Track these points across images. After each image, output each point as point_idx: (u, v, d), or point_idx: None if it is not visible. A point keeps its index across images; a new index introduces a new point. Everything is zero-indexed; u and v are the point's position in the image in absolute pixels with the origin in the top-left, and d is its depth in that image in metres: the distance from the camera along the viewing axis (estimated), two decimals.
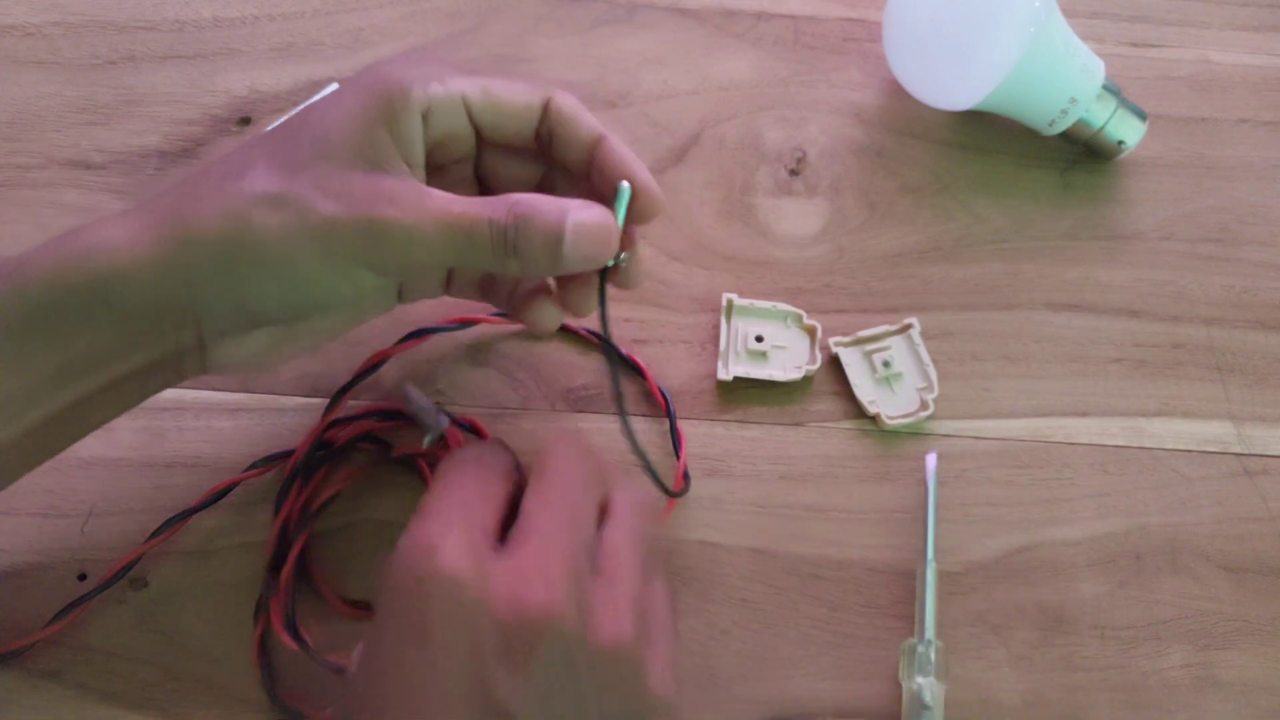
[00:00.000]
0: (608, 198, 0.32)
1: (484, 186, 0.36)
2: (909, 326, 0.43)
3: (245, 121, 0.46)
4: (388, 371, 0.41)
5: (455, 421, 0.39)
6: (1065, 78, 0.43)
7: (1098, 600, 0.39)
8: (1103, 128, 0.45)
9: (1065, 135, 0.46)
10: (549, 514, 0.28)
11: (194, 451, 0.40)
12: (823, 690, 0.37)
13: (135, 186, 0.45)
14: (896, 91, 0.47)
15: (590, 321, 0.42)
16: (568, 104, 0.33)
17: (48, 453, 0.32)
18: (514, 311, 0.36)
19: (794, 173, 0.46)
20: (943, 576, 0.39)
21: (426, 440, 0.38)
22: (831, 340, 0.42)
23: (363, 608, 0.38)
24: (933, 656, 0.36)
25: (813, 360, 0.42)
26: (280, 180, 0.30)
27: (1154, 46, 0.50)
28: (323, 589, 0.38)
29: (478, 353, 0.42)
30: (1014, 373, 0.43)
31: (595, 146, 0.33)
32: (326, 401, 0.40)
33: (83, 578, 0.38)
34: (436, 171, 0.33)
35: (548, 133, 0.33)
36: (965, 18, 0.42)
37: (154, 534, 0.37)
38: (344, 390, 0.40)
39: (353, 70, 0.47)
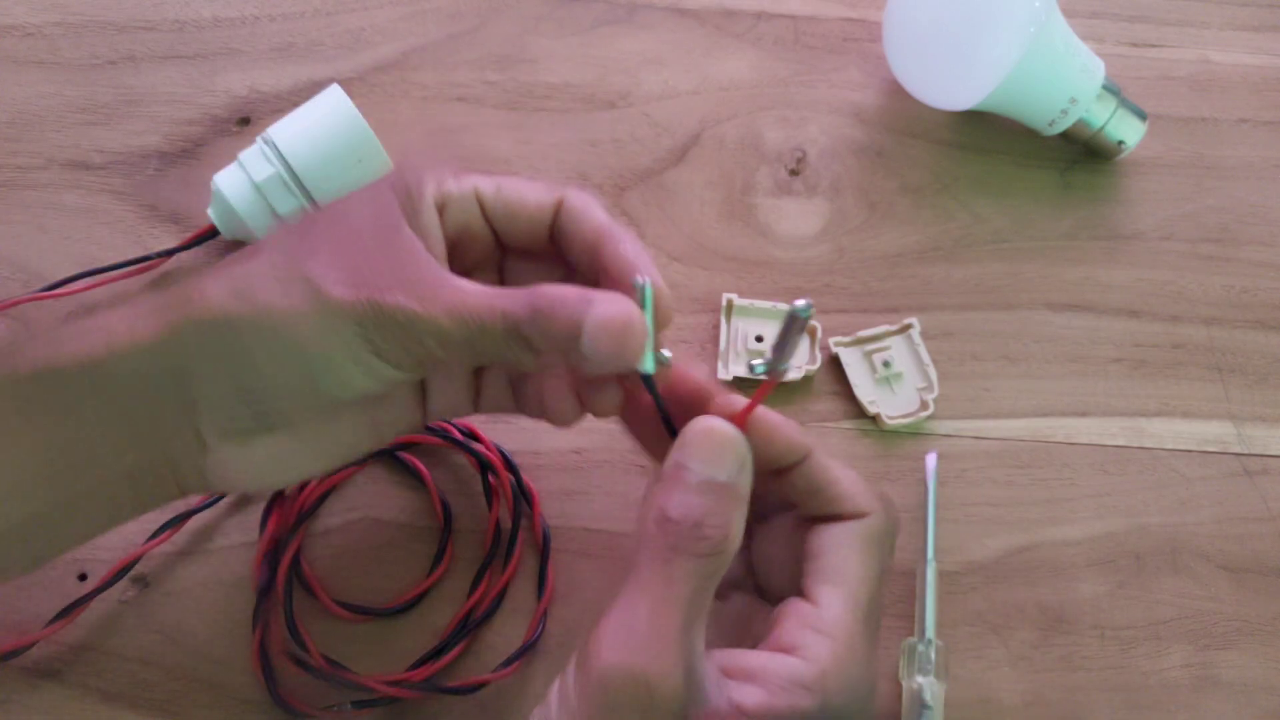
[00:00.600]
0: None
1: None
2: (909, 326, 0.43)
3: (245, 121, 0.46)
4: None
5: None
6: (1065, 78, 0.43)
7: (1098, 600, 0.39)
8: (1103, 128, 0.45)
9: (1065, 135, 0.46)
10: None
11: None
12: None
13: (135, 187, 0.45)
14: (896, 91, 0.47)
15: None
16: (578, 200, 0.31)
17: (29, 559, 0.30)
18: (531, 403, 0.33)
19: (794, 173, 0.46)
20: (943, 576, 0.39)
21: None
22: (831, 340, 0.42)
23: (358, 611, 0.38)
24: (933, 656, 0.36)
25: (812, 360, 0.42)
26: (292, 262, 0.28)
27: (1154, 46, 0.50)
28: (317, 592, 0.38)
29: None
30: (1014, 373, 0.43)
31: (600, 242, 0.30)
32: None
33: (83, 578, 0.38)
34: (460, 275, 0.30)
35: (560, 232, 0.31)
36: (965, 18, 0.42)
37: (154, 534, 0.37)
38: None
39: (353, 70, 0.47)
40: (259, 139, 0.41)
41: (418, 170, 0.30)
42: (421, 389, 0.33)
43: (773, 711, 0.27)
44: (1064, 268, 0.45)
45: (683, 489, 0.28)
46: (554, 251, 0.32)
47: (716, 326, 0.42)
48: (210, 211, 0.42)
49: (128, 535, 0.38)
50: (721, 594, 0.29)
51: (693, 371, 0.31)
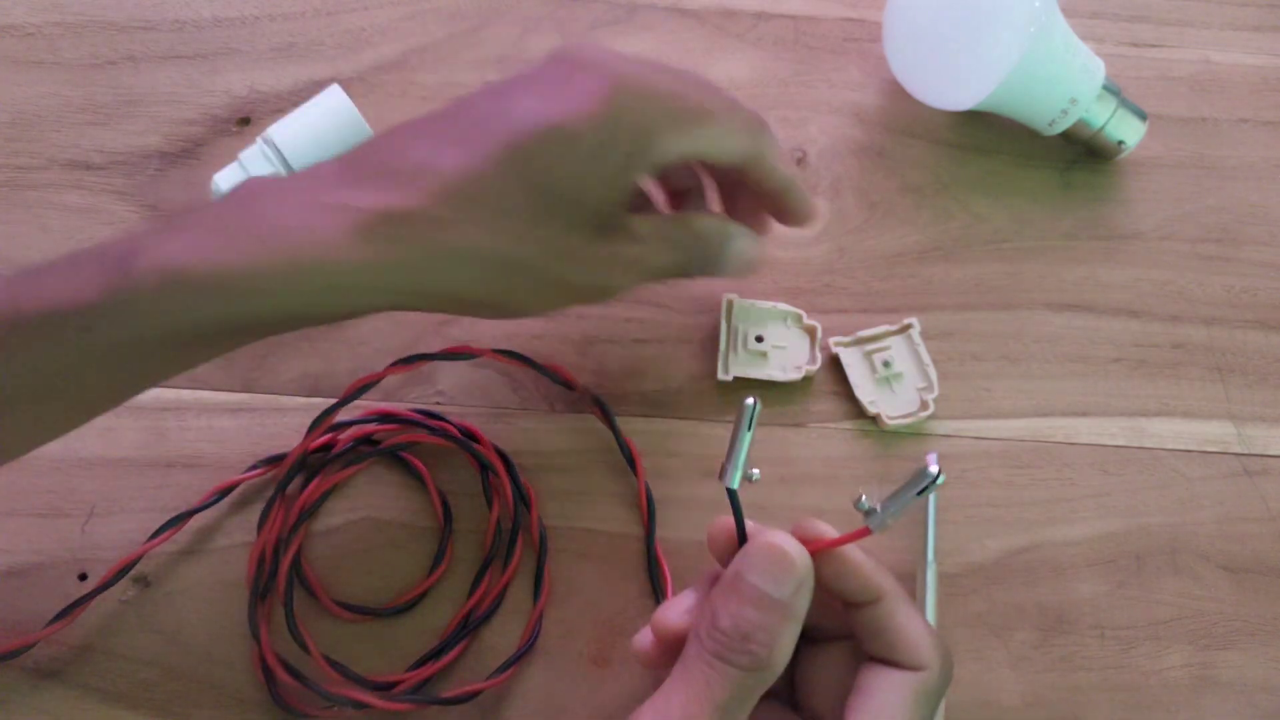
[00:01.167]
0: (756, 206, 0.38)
1: None
2: (909, 326, 0.43)
3: (245, 121, 0.46)
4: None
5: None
6: (1065, 78, 0.43)
7: (1098, 600, 0.39)
8: (1103, 128, 0.45)
9: (1065, 135, 0.46)
10: None
11: (194, 451, 0.40)
12: None
13: (136, 187, 0.45)
14: (896, 91, 0.47)
15: (589, 322, 0.42)
16: (770, 152, 0.36)
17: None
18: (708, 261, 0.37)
19: None
20: (943, 577, 0.39)
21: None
22: (831, 340, 0.42)
23: (358, 611, 0.38)
24: None
25: (813, 360, 0.42)
26: (526, 242, 0.31)
27: (1154, 46, 0.50)
28: (317, 592, 0.38)
29: None
30: (1014, 373, 0.43)
31: (783, 196, 0.37)
32: (327, 401, 0.40)
33: (84, 577, 0.38)
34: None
35: (744, 170, 0.35)
36: (965, 18, 0.42)
37: (155, 534, 0.37)
38: (330, 411, 0.39)
39: (353, 71, 0.47)
40: (259, 139, 0.41)
41: (655, 119, 0.31)
42: None
43: None
44: (1064, 268, 0.45)
45: (738, 600, 0.28)
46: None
47: (716, 327, 0.42)
48: None
49: (128, 535, 0.38)
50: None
51: (820, 527, 0.31)
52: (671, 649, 0.31)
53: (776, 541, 0.29)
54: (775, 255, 0.45)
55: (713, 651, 0.28)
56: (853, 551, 0.30)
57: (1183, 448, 0.42)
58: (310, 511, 0.38)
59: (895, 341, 0.43)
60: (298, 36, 0.48)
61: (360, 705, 0.35)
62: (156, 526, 0.37)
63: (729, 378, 0.41)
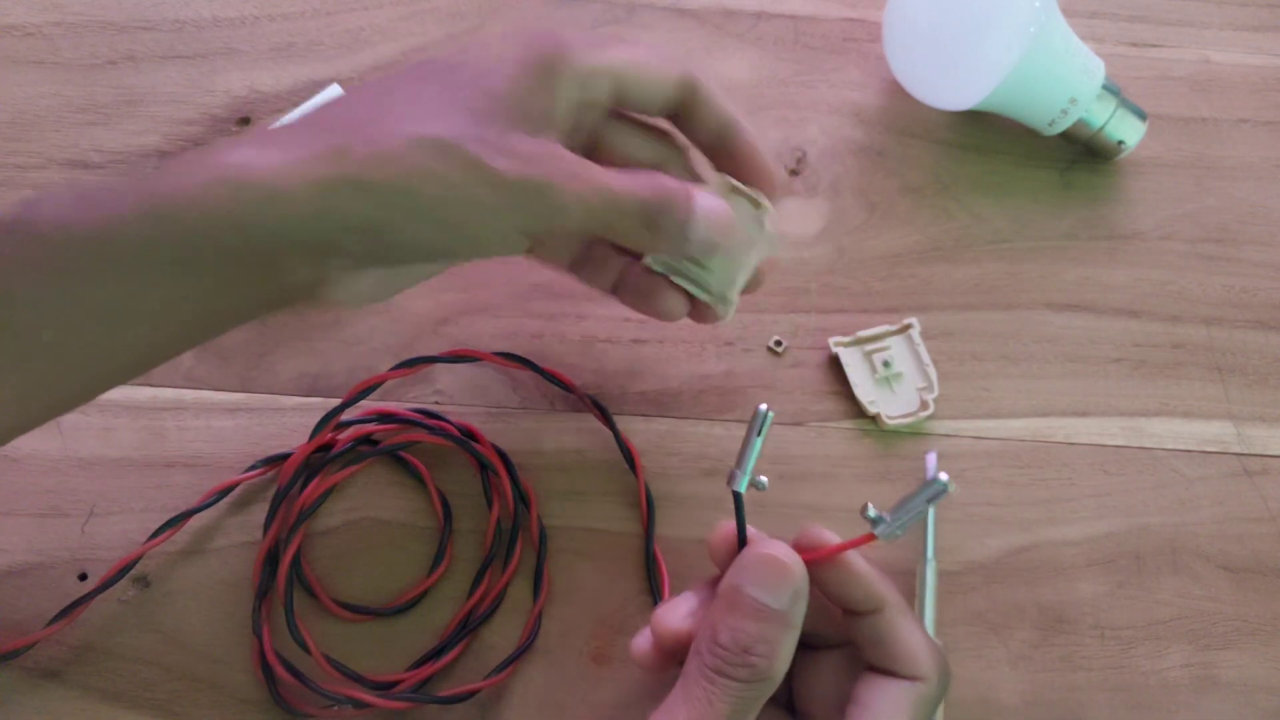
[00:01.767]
0: (735, 178, 0.34)
1: (591, 156, 0.34)
2: (909, 326, 0.43)
3: (245, 121, 0.46)
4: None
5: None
6: (1065, 78, 0.43)
7: (1098, 600, 0.39)
8: (1103, 128, 0.45)
9: (1065, 135, 0.46)
10: None
11: (194, 451, 0.40)
12: None
13: None
14: (896, 91, 0.47)
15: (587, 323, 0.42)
16: (706, 87, 0.33)
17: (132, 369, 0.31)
18: (636, 298, 0.36)
19: (794, 173, 0.46)
20: (943, 576, 0.39)
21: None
22: (831, 340, 0.42)
23: (358, 611, 0.38)
24: None
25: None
26: (450, 125, 0.29)
27: (1154, 46, 0.50)
28: (317, 592, 0.38)
29: None
30: (1014, 373, 0.43)
31: (728, 131, 0.34)
32: (325, 401, 0.40)
33: (83, 577, 0.38)
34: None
35: (682, 109, 0.34)
36: (965, 18, 0.42)
37: (155, 534, 0.37)
38: (332, 415, 0.39)
39: (353, 70, 0.47)
40: None
41: (564, 45, 0.31)
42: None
43: None
44: (1064, 268, 0.45)
45: (736, 613, 0.28)
46: (657, 126, 0.35)
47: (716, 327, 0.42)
48: None
49: (128, 535, 0.38)
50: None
51: (825, 534, 0.31)
52: (670, 652, 0.31)
53: (772, 551, 0.29)
54: (776, 255, 0.44)
55: (713, 667, 0.28)
56: (856, 560, 0.30)
57: (1182, 448, 0.42)
58: (310, 511, 0.38)
59: (895, 341, 0.43)
60: (297, 36, 0.48)
61: (360, 704, 0.35)
62: (156, 526, 0.37)
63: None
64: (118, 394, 0.40)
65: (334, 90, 0.42)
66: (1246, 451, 0.42)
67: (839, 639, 0.32)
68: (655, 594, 0.38)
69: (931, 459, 0.40)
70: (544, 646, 0.38)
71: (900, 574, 0.39)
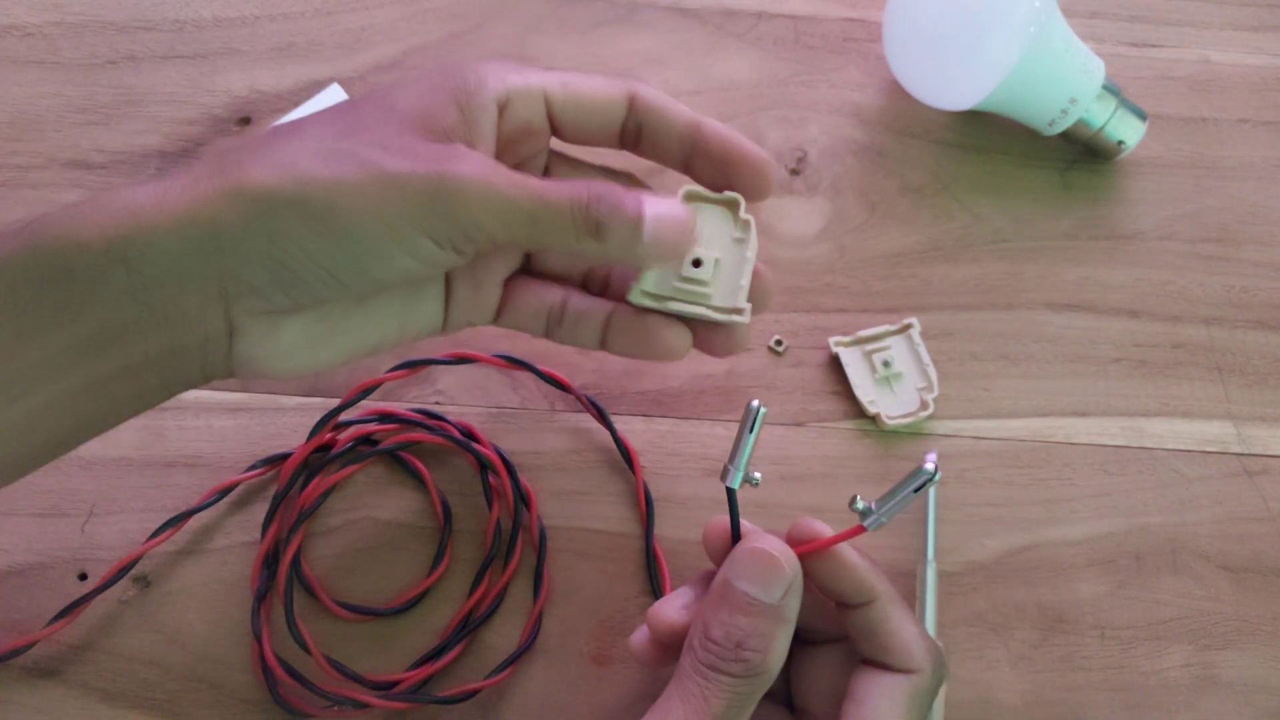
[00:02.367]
0: (718, 185, 0.32)
1: None
2: (909, 326, 0.43)
3: (245, 121, 0.46)
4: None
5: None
6: (1065, 78, 0.43)
7: (1098, 600, 0.39)
8: (1103, 128, 0.45)
9: (1065, 135, 0.46)
10: None
11: (194, 451, 0.40)
12: None
13: None
14: (896, 91, 0.47)
15: None
16: (653, 95, 0.31)
17: (53, 445, 0.29)
18: (629, 343, 0.33)
19: (794, 172, 0.46)
20: (943, 576, 0.39)
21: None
22: (831, 340, 0.42)
23: (358, 611, 0.38)
24: None
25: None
26: (340, 138, 0.27)
27: (1154, 46, 0.50)
28: (317, 592, 0.38)
29: None
30: (1014, 373, 0.43)
31: (694, 133, 0.31)
32: (325, 401, 0.40)
33: (83, 577, 0.38)
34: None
35: (636, 128, 0.32)
36: (965, 18, 0.42)
37: (154, 533, 0.37)
38: (331, 416, 0.39)
39: (353, 70, 0.47)
40: None
41: (478, 68, 0.29)
42: (447, 293, 0.33)
43: None
44: (1064, 268, 0.45)
45: (728, 608, 0.28)
46: (618, 146, 0.32)
47: None
48: None
49: (128, 535, 0.38)
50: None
51: (816, 526, 0.30)
52: (668, 646, 0.31)
53: (763, 546, 0.29)
54: (776, 255, 0.45)
55: (706, 663, 0.28)
56: (848, 552, 0.30)
57: (1182, 448, 0.42)
58: (310, 511, 0.38)
59: (895, 341, 0.43)
60: (297, 36, 0.48)
61: (360, 705, 0.35)
62: (156, 526, 0.37)
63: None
64: None
65: (334, 90, 0.42)
66: (1246, 451, 0.42)
67: (835, 634, 0.32)
68: (656, 594, 0.38)
69: (931, 459, 0.40)
70: (544, 647, 0.38)
71: (900, 575, 0.39)
